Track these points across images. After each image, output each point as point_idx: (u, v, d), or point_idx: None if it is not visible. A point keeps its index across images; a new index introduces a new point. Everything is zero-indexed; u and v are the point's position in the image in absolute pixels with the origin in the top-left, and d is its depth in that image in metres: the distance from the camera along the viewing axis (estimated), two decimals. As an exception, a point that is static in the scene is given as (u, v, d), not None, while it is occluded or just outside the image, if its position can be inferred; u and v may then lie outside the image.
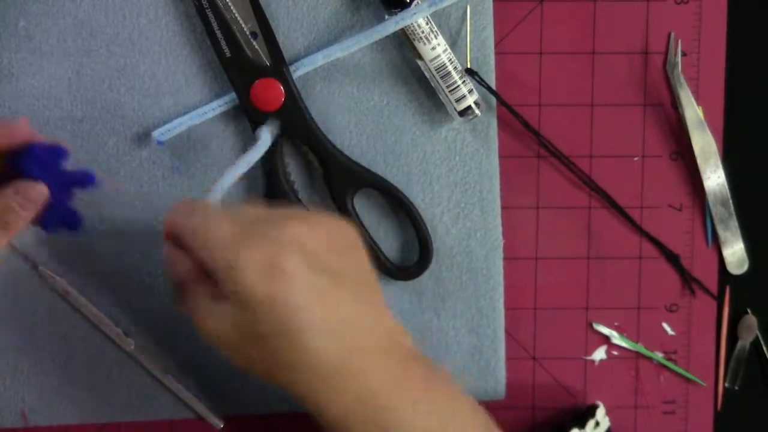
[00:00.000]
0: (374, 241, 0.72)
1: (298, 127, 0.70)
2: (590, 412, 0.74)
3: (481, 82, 0.71)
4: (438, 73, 0.70)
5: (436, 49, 0.70)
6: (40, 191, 0.61)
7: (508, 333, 0.75)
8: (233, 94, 0.70)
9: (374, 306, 0.61)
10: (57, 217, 0.63)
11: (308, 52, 0.71)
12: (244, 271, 0.56)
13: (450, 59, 0.70)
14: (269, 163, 0.71)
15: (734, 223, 0.75)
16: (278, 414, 0.75)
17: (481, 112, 0.71)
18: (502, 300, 0.74)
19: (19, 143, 0.60)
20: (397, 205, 0.72)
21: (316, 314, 0.57)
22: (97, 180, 0.64)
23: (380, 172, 0.72)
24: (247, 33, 0.69)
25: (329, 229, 0.60)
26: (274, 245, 0.57)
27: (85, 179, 0.64)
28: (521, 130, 0.74)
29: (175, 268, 0.60)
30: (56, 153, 0.62)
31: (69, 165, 0.63)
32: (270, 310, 0.56)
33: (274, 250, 0.56)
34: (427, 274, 0.73)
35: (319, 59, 0.70)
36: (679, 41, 0.74)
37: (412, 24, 0.69)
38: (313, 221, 0.60)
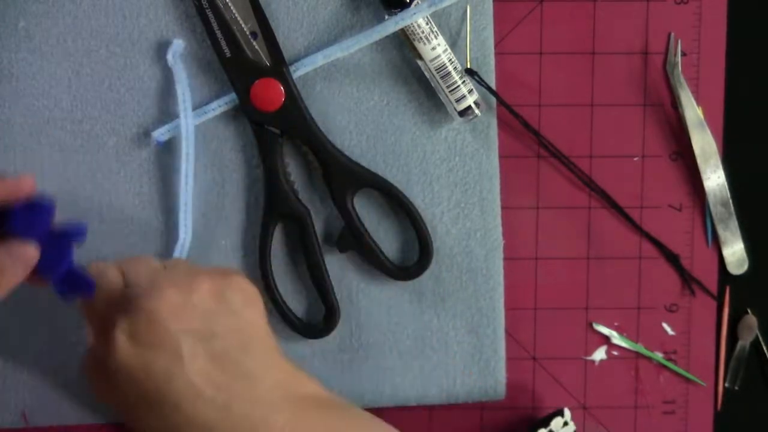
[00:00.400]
0: (374, 241, 0.72)
1: (298, 127, 0.70)
2: (557, 413, 0.74)
3: (481, 82, 0.71)
4: (438, 73, 0.70)
5: (436, 49, 0.70)
6: (30, 252, 0.59)
7: (508, 333, 0.75)
8: (233, 94, 0.70)
9: (260, 360, 0.61)
10: (68, 284, 0.62)
11: (308, 52, 0.71)
12: (113, 341, 0.59)
13: (450, 59, 0.70)
14: (269, 163, 0.71)
15: (734, 223, 0.75)
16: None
17: (481, 112, 0.71)
18: (502, 300, 0.74)
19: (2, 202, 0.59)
20: (397, 205, 0.72)
21: (186, 379, 0.58)
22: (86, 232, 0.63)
23: (380, 172, 0.72)
24: (247, 33, 0.69)
25: (211, 290, 0.61)
26: (141, 311, 0.59)
27: (76, 232, 0.62)
28: (521, 130, 0.74)
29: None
30: (42, 210, 0.60)
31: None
32: (140, 378, 0.59)
33: (139, 316, 0.59)
34: (427, 274, 0.73)
35: (319, 59, 0.70)
36: (679, 41, 0.74)
37: (412, 24, 0.69)
38: (197, 282, 0.61)
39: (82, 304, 0.63)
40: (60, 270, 0.61)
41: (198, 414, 0.58)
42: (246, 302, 0.62)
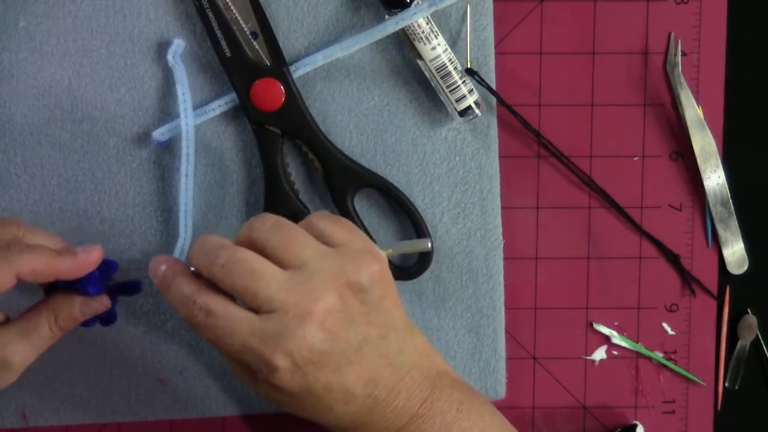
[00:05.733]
0: (374, 241, 0.72)
1: (298, 127, 0.70)
2: (630, 428, 0.75)
3: (481, 82, 0.72)
4: (438, 73, 0.70)
5: (436, 49, 0.70)
6: (104, 305, 0.64)
7: (508, 333, 0.75)
8: (233, 94, 0.70)
9: (399, 347, 0.62)
10: (97, 317, 0.65)
11: (308, 52, 0.71)
12: (277, 372, 0.59)
13: (450, 59, 0.70)
14: (269, 163, 0.71)
15: (734, 223, 0.75)
16: (278, 414, 0.75)
17: (481, 112, 0.71)
18: (502, 300, 0.74)
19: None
20: (397, 205, 0.72)
21: (341, 390, 0.60)
22: (143, 286, 0.66)
23: (380, 172, 0.72)
24: (247, 33, 0.69)
25: (349, 288, 0.60)
26: (298, 341, 0.58)
27: (133, 289, 0.65)
28: (521, 130, 0.74)
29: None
30: (109, 270, 0.64)
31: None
32: (302, 396, 0.60)
33: (298, 348, 0.58)
34: (427, 274, 0.73)
35: (319, 59, 0.70)
36: (679, 41, 0.74)
37: (412, 24, 0.69)
38: (334, 286, 0.60)
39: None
40: (107, 317, 0.65)
41: (349, 411, 0.61)
42: (383, 291, 0.62)
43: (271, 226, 0.61)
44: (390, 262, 0.72)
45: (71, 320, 0.63)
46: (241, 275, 0.59)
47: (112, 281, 0.64)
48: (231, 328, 0.59)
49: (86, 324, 0.64)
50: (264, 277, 0.59)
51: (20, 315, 0.63)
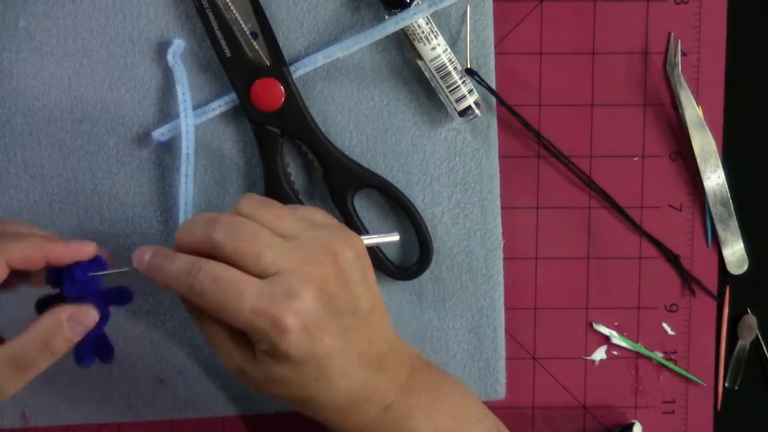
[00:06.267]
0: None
1: (298, 127, 0.70)
2: (627, 429, 0.75)
3: (481, 82, 0.72)
4: (438, 73, 0.70)
5: (436, 49, 0.70)
6: (92, 317, 0.61)
7: (508, 333, 0.75)
8: (233, 94, 0.70)
9: (382, 324, 0.63)
10: (93, 350, 0.62)
11: (308, 52, 0.71)
12: (287, 334, 0.58)
13: (450, 59, 0.70)
14: (269, 163, 0.71)
15: (734, 223, 0.75)
16: (278, 414, 0.75)
17: (481, 112, 0.71)
18: (502, 300, 0.74)
19: (57, 262, 0.61)
20: (397, 205, 0.72)
21: (342, 358, 0.61)
22: (133, 295, 0.64)
23: (380, 172, 0.72)
24: (247, 33, 0.69)
25: (340, 259, 0.61)
26: (303, 303, 0.59)
27: (123, 296, 0.63)
28: (521, 130, 0.74)
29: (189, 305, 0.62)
30: (98, 264, 0.62)
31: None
32: (307, 363, 0.60)
33: (304, 309, 0.59)
34: (427, 274, 0.73)
35: (319, 59, 0.70)
36: (679, 41, 0.74)
37: (412, 24, 0.69)
38: (328, 255, 0.60)
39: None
40: (98, 343, 0.62)
41: (345, 386, 0.61)
42: (366, 266, 0.62)
43: (258, 202, 0.62)
44: (390, 261, 0.72)
45: (62, 343, 0.60)
46: (243, 237, 0.59)
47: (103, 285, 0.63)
48: (239, 292, 0.58)
49: (83, 360, 0.62)
50: (265, 239, 0.59)
51: (9, 341, 0.60)
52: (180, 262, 0.60)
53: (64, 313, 0.60)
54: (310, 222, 0.62)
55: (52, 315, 0.60)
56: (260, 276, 0.59)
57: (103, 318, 0.62)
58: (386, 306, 0.64)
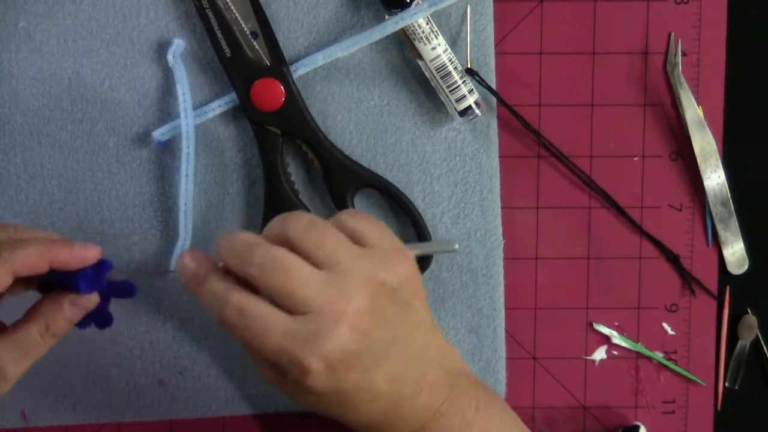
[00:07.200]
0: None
1: (298, 127, 0.70)
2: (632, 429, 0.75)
3: (481, 82, 0.72)
4: (438, 73, 0.70)
5: (437, 49, 0.70)
6: (93, 300, 0.62)
7: (508, 333, 0.75)
8: (233, 94, 0.70)
9: (424, 344, 0.63)
10: (92, 319, 0.63)
11: (308, 52, 0.71)
12: (310, 375, 0.58)
13: (450, 59, 0.70)
14: (269, 163, 0.71)
15: (734, 223, 0.75)
16: (279, 414, 0.75)
17: (481, 112, 0.71)
18: (502, 300, 0.74)
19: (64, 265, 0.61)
20: (397, 205, 0.72)
21: (369, 389, 0.60)
22: (136, 290, 0.64)
23: (380, 172, 0.72)
24: (247, 33, 0.69)
25: (381, 289, 0.60)
26: (331, 344, 0.58)
27: (125, 289, 0.64)
28: (521, 130, 0.74)
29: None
30: (103, 268, 0.62)
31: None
32: (330, 397, 0.60)
33: (332, 350, 0.58)
34: (427, 274, 0.73)
35: (319, 59, 0.70)
36: (679, 41, 0.74)
37: (412, 24, 0.69)
38: (366, 287, 0.59)
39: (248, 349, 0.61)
40: (97, 314, 0.63)
41: (374, 410, 0.61)
42: (413, 290, 0.62)
43: (305, 224, 0.60)
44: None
45: (63, 324, 0.61)
46: (276, 274, 0.58)
47: (107, 278, 0.63)
48: (264, 329, 0.58)
49: (81, 325, 0.63)
50: (299, 276, 0.58)
51: (11, 325, 0.61)
52: (212, 287, 0.60)
53: (64, 297, 0.61)
54: (358, 242, 0.61)
55: (52, 299, 0.61)
56: (291, 312, 0.59)
57: (103, 301, 0.63)
58: (434, 322, 0.64)
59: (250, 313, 0.58)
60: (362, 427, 0.63)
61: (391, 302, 0.60)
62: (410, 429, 0.62)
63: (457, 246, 0.66)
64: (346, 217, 0.63)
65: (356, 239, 0.61)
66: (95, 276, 0.61)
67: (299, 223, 0.60)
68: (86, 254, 0.61)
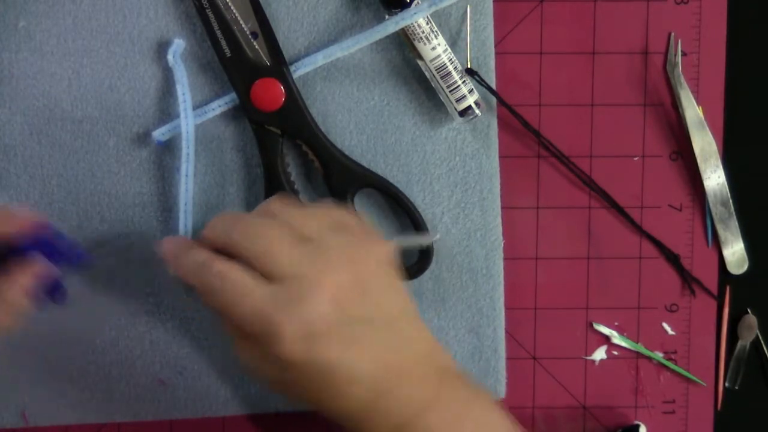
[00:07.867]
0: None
1: (298, 127, 0.70)
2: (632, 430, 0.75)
3: (481, 82, 0.72)
4: (438, 73, 0.70)
5: (437, 49, 0.70)
6: (42, 267, 0.62)
7: (508, 333, 0.75)
8: (233, 94, 0.70)
9: (409, 334, 0.62)
10: (47, 292, 0.63)
11: (308, 52, 0.71)
12: (284, 340, 0.58)
13: (450, 59, 0.70)
14: (269, 163, 0.71)
15: (734, 223, 0.75)
16: (278, 414, 0.75)
17: (481, 112, 0.71)
18: (502, 300, 0.74)
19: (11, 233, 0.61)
20: (397, 205, 0.72)
21: (351, 364, 0.59)
22: (85, 260, 0.65)
23: (380, 172, 0.72)
24: (247, 33, 0.69)
25: (361, 267, 0.60)
26: (308, 310, 0.58)
27: (73, 254, 0.64)
28: (521, 130, 0.74)
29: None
30: (44, 232, 0.63)
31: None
32: (308, 369, 0.59)
33: (308, 316, 0.58)
34: (427, 274, 0.73)
35: (319, 59, 0.70)
36: (679, 41, 0.74)
37: (412, 24, 0.69)
38: (347, 263, 0.60)
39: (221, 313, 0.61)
40: (54, 287, 0.63)
41: (355, 396, 0.60)
42: (390, 277, 0.62)
43: (290, 204, 0.62)
44: (390, 262, 0.72)
45: (18, 298, 0.61)
46: (259, 239, 0.59)
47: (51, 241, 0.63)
48: (243, 292, 0.58)
49: (39, 303, 0.63)
50: (283, 242, 0.59)
51: None
52: (195, 255, 0.60)
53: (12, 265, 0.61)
54: (339, 226, 0.62)
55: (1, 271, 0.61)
56: (270, 279, 0.59)
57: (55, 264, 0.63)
58: (419, 316, 0.63)
59: (231, 277, 0.59)
60: (344, 418, 0.61)
61: (371, 284, 0.60)
62: (394, 422, 0.61)
63: (438, 236, 0.66)
64: (326, 208, 0.64)
65: (338, 226, 0.62)
66: (38, 238, 0.61)
67: (281, 201, 0.62)
68: (17, 217, 0.61)
